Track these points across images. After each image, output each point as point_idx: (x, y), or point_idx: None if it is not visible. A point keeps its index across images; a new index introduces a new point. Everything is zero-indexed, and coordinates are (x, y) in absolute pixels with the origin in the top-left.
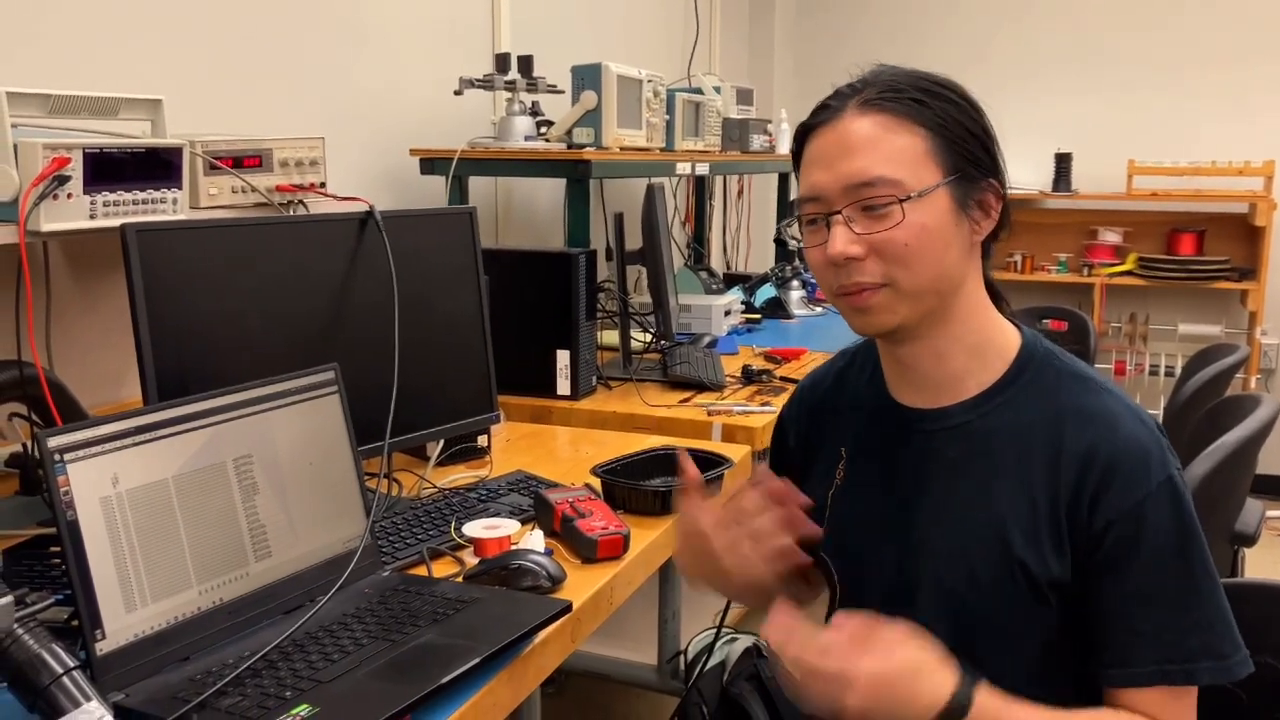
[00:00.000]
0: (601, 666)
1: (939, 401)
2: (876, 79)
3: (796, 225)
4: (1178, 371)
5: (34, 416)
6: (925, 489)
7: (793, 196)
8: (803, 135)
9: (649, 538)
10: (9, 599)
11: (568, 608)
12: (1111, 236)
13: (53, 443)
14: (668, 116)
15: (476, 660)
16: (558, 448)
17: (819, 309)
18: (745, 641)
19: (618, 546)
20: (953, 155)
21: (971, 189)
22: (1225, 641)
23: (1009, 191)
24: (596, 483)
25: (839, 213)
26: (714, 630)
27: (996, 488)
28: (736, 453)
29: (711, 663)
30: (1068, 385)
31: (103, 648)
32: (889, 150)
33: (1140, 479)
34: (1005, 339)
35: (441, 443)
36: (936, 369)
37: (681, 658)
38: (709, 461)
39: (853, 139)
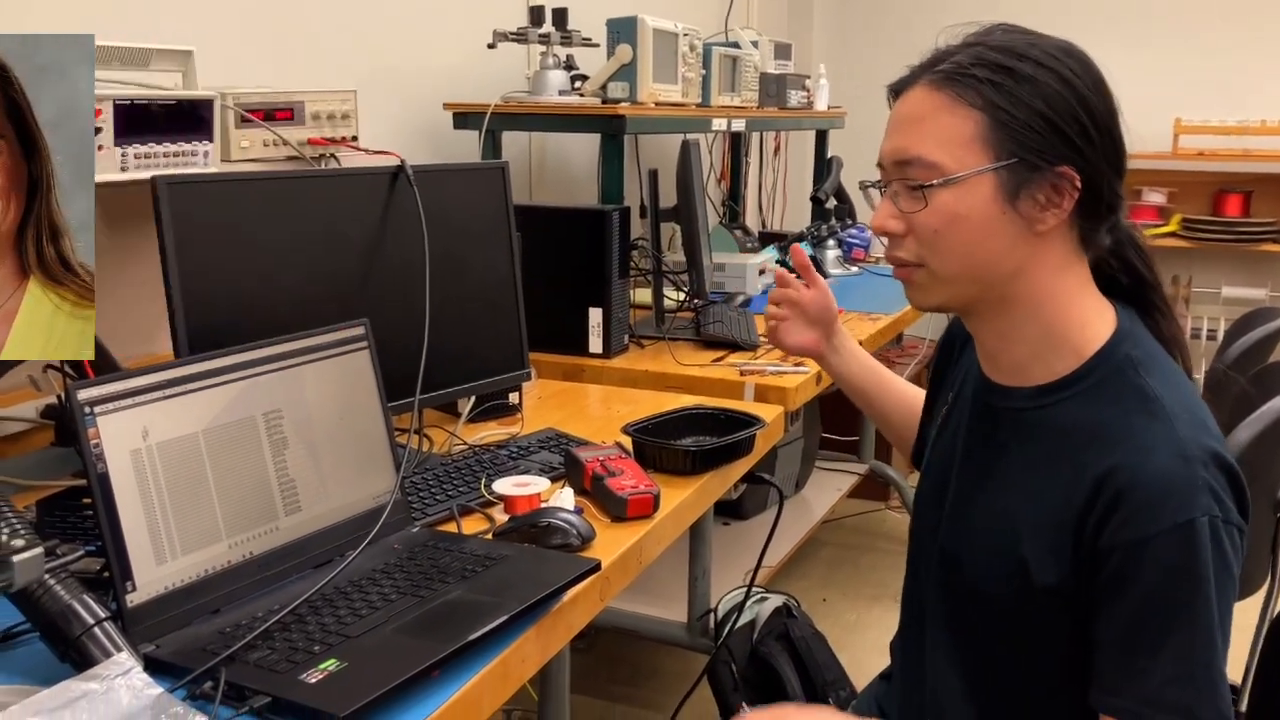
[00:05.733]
0: (632, 623)
1: (1007, 381)
2: (961, 49)
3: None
4: (1220, 336)
5: (67, 368)
6: (974, 461)
7: (826, 155)
8: (892, 97)
9: (679, 497)
10: (39, 550)
11: (596, 566)
12: (1155, 197)
13: (83, 395)
14: (704, 71)
15: (505, 618)
16: (589, 406)
17: (855, 269)
18: (775, 601)
19: (648, 506)
20: (1010, 141)
21: (1031, 178)
22: (1205, 705)
23: None
24: (627, 441)
25: (890, 184)
26: (744, 589)
27: (1027, 481)
28: (769, 413)
29: (741, 621)
30: (1126, 400)
31: (133, 599)
32: (934, 130)
33: (1149, 517)
34: (1087, 334)
35: (472, 399)
36: (1002, 350)
37: (711, 616)
38: (740, 421)
39: (909, 114)
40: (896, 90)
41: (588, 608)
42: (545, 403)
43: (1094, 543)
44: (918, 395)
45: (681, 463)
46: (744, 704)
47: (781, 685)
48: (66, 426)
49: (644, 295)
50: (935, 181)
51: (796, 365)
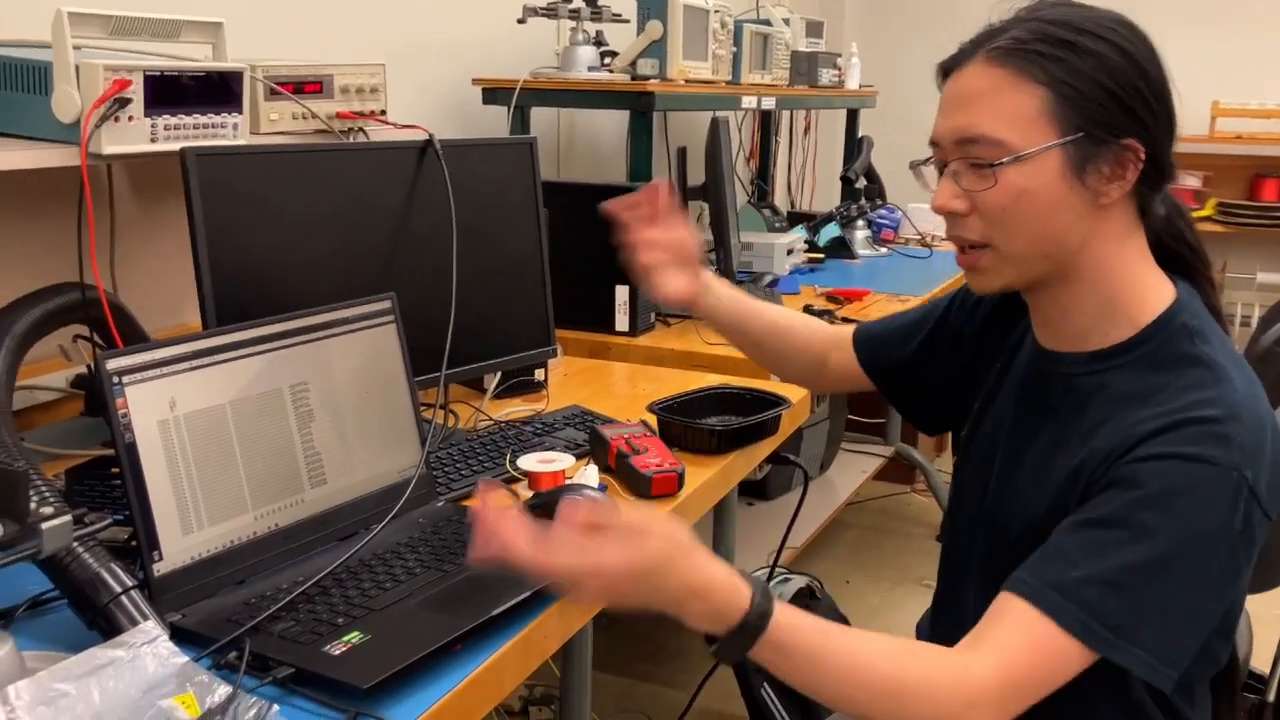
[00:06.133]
0: None
1: (1062, 347)
2: (1016, 24)
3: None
4: (1254, 322)
5: (96, 338)
6: (1022, 426)
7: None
8: (942, 75)
9: (704, 476)
10: (68, 518)
11: None
12: (1191, 181)
13: (112, 365)
14: (735, 48)
15: (527, 594)
16: (615, 383)
17: (884, 249)
18: (798, 582)
19: (672, 484)
20: (1076, 116)
21: (1097, 152)
22: (1113, 617)
23: None
24: (652, 419)
25: (950, 163)
26: (767, 570)
27: (1071, 447)
28: (795, 394)
29: None
30: (1181, 365)
31: (160, 569)
32: (999, 107)
33: (1177, 442)
34: (1145, 303)
35: (498, 375)
36: (1062, 321)
37: None
38: (765, 401)
39: (969, 91)
40: (948, 68)
41: None
42: (571, 380)
43: (1110, 466)
44: (784, 314)
45: (707, 442)
46: (764, 685)
47: None
48: (95, 396)
49: None
50: (1004, 160)
51: None
